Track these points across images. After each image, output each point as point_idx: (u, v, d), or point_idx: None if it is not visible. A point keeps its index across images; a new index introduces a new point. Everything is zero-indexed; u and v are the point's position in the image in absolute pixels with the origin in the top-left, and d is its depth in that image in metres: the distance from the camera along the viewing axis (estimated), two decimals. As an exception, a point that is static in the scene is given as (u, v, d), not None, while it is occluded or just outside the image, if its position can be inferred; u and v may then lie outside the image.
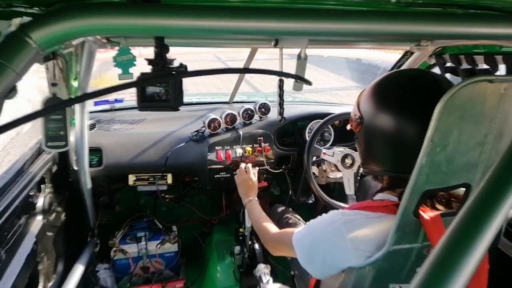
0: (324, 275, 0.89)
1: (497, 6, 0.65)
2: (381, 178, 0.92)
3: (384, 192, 0.88)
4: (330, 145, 1.93)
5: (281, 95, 1.34)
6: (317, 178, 1.73)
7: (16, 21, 0.53)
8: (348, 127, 0.99)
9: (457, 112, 0.63)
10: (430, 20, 0.62)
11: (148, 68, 0.71)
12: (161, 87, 0.73)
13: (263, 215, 1.32)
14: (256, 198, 1.48)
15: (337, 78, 10.70)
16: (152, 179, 1.82)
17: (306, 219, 1.49)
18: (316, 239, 0.86)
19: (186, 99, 0.79)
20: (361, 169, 0.98)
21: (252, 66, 1.87)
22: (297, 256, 0.90)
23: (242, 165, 1.65)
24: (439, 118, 0.62)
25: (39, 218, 1.29)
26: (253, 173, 1.59)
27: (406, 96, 0.81)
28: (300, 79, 0.65)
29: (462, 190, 0.74)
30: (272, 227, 1.21)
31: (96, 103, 1.95)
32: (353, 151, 1.60)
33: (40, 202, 1.31)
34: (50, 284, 1.34)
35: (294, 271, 1.50)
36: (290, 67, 1.14)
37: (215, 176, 1.81)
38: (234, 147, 1.82)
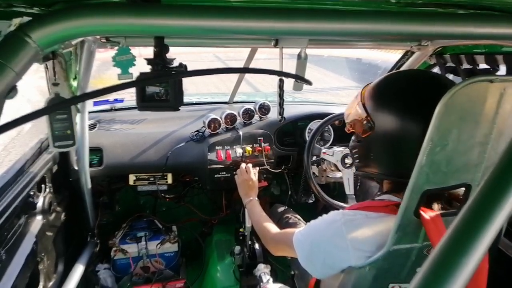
0: (325, 275, 0.89)
1: (497, 6, 0.65)
2: (381, 182, 0.92)
3: (388, 193, 0.87)
4: (330, 145, 1.93)
5: (281, 95, 1.34)
6: (317, 178, 1.73)
7: (16, 21, 0.53)
8: (347, 130, 0.97)
9: (457, 112, 0.63)
10: (430, 20, 0.62)
11: (148, 68, 0.71)
12: (161, 87, 0.72)
13: (264, 215, 1.32)
14: (257, 198, 1.48)
15: (337, 78, 10.69)
16: (152, 179, 1.82)
17: (306, 219, 1.50)
18: (317, 239, 0.86)
19: (186, 99, 0.79)
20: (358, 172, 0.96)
21: (252, 66, 1.87)
22: (298, 256, 0.90)
23: (243, 165, 1.65)
24: (439, 117, 0.62)
25: (39, 218, 1.29)
26: (253, 173, 1.59)
27: (420, 100, 0.78)
28: (300, 79, 0.65)
29: (462, 190, 0.74)
30: (272, 227, 1.21)
31: (95, 103, 1.95)
32: (353, 151, 1.60)
33: (40, 202, 1.31)
34: (50, 283, 1.34)
35: (294, 270, 1.50)
36: (290, 67, 1.13)
37: (215, 176, 1.81)
38: (234, 147, 1.82)
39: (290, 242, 0.94)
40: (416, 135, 0.74)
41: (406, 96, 0.81)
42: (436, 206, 0.77)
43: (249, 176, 1.56)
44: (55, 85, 1.17)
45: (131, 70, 0.99)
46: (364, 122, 0.85)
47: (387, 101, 0.82)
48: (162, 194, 1.97)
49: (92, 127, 1.84)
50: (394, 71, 0.92)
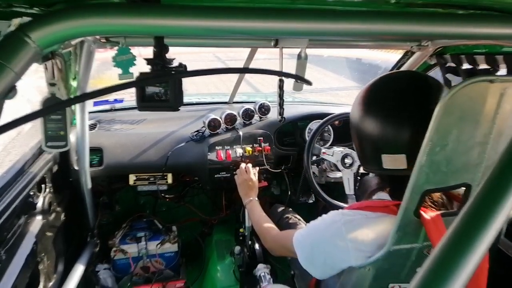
0: (325, 275, 0.89)
1: (498, 7, 0.65)
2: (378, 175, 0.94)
3: (382, 191, 0.88)
4: (330, 145, 1.93)
5: (281, 95, 1.34)
6: (317, 178, 1.73)
7: (16, 21, 0.53)
8: None
9: (457, 112, 0.63)
10: (431, 20, 0.62)
11: (147, 68, 0.71)
12: (161, 87, 0.72)
13: (264, 216, 1.32)
14: (256, 199, 1.48)
15: (337, 78, 10.69)
16: (152, 179, 1.82)
17: (306, 219, 1.50)
18: (317, 240, 0.87)
19: (186, 99, 0.79)
20: (361, 168, 0.99)
21: (252, 66, 1.87)
22: (298, 257, 0.90)
23: (242, 165, 1.65)
24: (439, 118, 0.62)
25: (39, 218, 1.29)
26: (253, 173, 1.59)
27: (372, 98, 0.86)
28: (300, 79, 0.65)
29: (462, 190, 0.74)
30: (272, 228, 1.21)
31: (95, 103, 1.95)
32: (353, 151, 1.60)
33: (40, 202, 1.31)
34: (50, 284, 1.34)
35: (294, 271, 1.50)
36: (290, 67, 1.13)
37: (215, 176, 1.81)
38: (234, 147, 1.82)
39: (290, 243, 0.94)
40: (367, 128, 0.84)
41: (366, 93, 0.89)
42: (436, 206, 0.77)
43: (249, 176, 1.56)
44: (52, 85, 1.17)
45: (131, 70, 0.99)
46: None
47: (358, 100, 0.90)
48: (162, 194, 1.97)
49: (92, 127, 1.84)
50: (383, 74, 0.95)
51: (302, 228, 0.95)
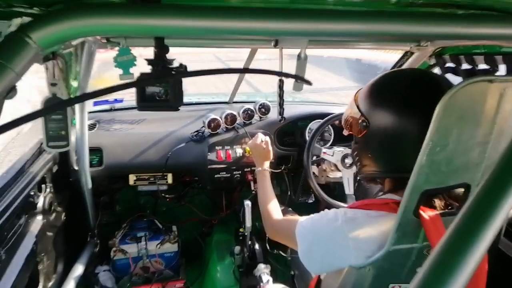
0: (319, 271, 0.89)
1: (498, 7, 0.65)
2: (382, 181, 0.92)
3: (392, 193, 0.87)
4: (330, 145, 1.93)
5: (281, 95, 1.34)
6: (317, 178, 1.73)
7: (16, 21, 0.53)
8: (346, 132, 0.98)
9: (457, 112, 0.63)
10: (430, 20, 0.62)
11: (148, 68, 0.71)
12: (161, 87, 0.73)
13: (270, 194, 1.29)
14: (267, 168, 1.42)
15: (337, 78, 10.69)
16: (152, 179, 1.82)
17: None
18: (319, 235, 0.86)
19: (186, 99, 0.79)
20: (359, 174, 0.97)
21: (252, 66, 1.87)
22: (298, 247, 0.90)
23: (260, 134, 1.56)
24: (439, 118, 0.62)
25: (39, 218, 1.29)
26: (267, 143, 1.51)
27: (411, 95, 0.81)
28: (300, 79, 0.65)
29: (462, 190, 0.74)
30: (276, 211, 1.20)
31: (95, 103, 1.94)
32: (353, 151, 1.60)
33: (40, 202, 1.31)
34: (50, 284, 1.34)
35: (294, 271, 1.50)
36: (290, 67, 1.13)
37: (215, 176, 1.81)
38: (234, 147, 1.82)
39: (292, 233, 0.93)
40: (410, 129, 0.78)
41: (400, 92, 0.83)
42: (436, 206, 0.77)
43: (261, 144, 1.48)
44: (53, 85, 1.17)
45: (131, 70, 0.99)
46: (359, 121, 0.88)
47: (381, 98, 0.85)
48: (162, 194, 1.97)
49: (91, 127, 1.84)
50: (386, 71, 0.93)
51: (305, 220, 0.93)
